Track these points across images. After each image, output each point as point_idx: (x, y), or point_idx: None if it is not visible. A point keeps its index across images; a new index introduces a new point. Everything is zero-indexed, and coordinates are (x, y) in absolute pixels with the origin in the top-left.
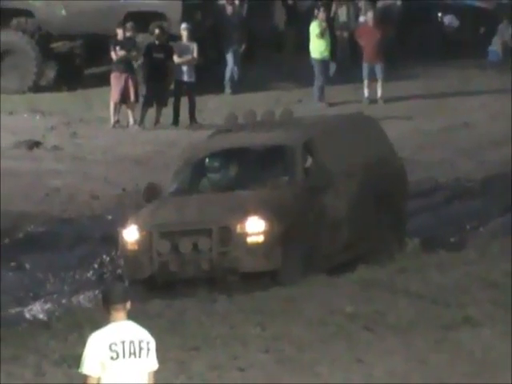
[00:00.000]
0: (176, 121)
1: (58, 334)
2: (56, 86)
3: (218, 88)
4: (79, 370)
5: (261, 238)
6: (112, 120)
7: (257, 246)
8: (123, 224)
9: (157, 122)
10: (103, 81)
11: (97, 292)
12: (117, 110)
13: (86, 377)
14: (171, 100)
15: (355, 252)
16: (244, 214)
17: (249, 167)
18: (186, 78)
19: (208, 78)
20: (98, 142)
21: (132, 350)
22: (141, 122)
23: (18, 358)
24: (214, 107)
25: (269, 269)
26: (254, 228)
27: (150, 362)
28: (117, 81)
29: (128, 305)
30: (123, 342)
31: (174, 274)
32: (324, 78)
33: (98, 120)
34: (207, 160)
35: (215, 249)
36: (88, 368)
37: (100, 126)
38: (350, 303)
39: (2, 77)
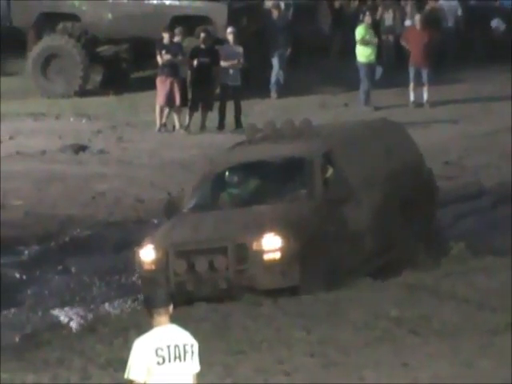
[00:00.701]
0: (221, 125)
1: (103, 337)
2: (102, 90)
3: (264, 92)
4: (125, 376)
5: (278, 255)
6: (158, 124)
7: (274, 263)
8: (139, 244)
9: (202, 126)
10: (149, 85)
11: (142, 296)
12: (163, 114)
13: (131, 382)
14: (217, 104)
15: (380, 262)
16: (260, 230)
17: (268, 180)
18: (231, 81)
19: (254, 82)
20: (144, 145)
21: (177, 354)
22: (187, 126)
23: (63, 361)
24: (260, 111)
25: (287, 285)
26: (271, 245)
27: (193, 365)
28: (163, 85)
29: (170, 309)
30: (169, 347)
31: (192, 293)
32: (370, 81)
33: (143, 124)
34: (226, 174)
35: (232, 267)
36: (134, 373)
37: (146, 130)
38: (395, 307)
39: (49, 81)
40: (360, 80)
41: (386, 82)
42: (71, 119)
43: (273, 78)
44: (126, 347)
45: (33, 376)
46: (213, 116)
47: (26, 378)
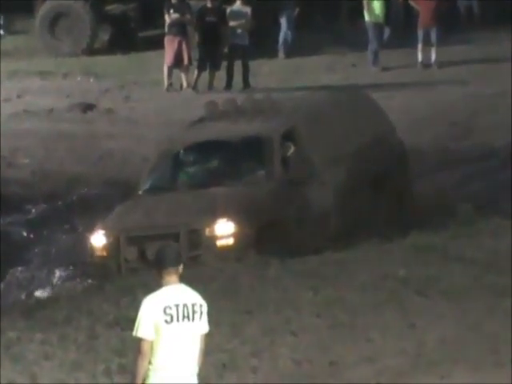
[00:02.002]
0: (229, 85)
1: (111, 296)
2: (110, 49)
3: (272, 52)
4: (133, 334)
5: (230, 241)
6: (165, 83)
7: (227, 249)
8: (91, 230)
9: (210, 85)
10: (157, 44)
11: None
12: (170, 73)
13: (140, 340)
14: (225, 64)
15: (349, 241)
16: (213, 216)
17: (226, 161)
18: (239, 41)
19: (262, 42)
20: (152, 105)
21: (186, 314)
22: (194, 85)
23: (71, 320)
24: (268, 71)
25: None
26: (223, 231)
27: (202, 325)
28: (170, 44)
29: (180, 268)
30: (177, 306)
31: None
32: (378, 42)
33: (151, 83)
34: (182, 154)
35: (184, 253)
36: (142, 331)
37: (153, 90)
38: (402, 268)
39: (57, 40)
40: (368, 40)
41: (394, 43)
42: (79, 78)
43: (281, 38)
44: (134, 306)
45: (40, 335)
46: (221, 76)
47: (33, 337)
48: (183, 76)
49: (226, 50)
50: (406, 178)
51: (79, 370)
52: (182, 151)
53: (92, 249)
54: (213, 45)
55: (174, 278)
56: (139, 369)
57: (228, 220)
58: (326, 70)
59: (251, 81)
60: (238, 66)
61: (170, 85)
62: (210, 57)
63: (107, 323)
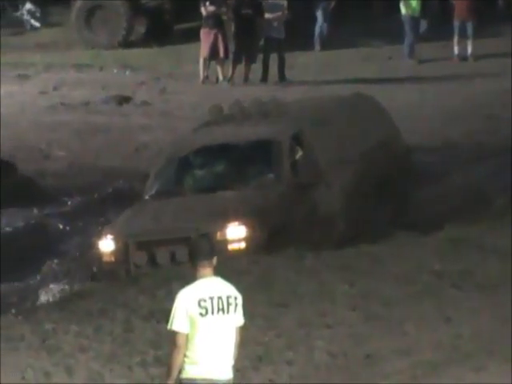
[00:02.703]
0: (265, 77)
1: (146, 289)
2: (146, 42)
3: (308, 45)
4: (168, 327)
5: (242, 245)
6: (201, 76)
7: (239, 254)
8: (98, 234)
9: (246, 78)
10: (193, 36)
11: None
12: (206, 65)
13: (175, 333)
14: (260, 56)
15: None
16: (224, 219)
17: (233, 164)
18: (275, 34)
19: (298, 34)
20: (187, 97)
21: (220, 306)
22: (230, 78)
23: (106, 312)
24: (303, 64)
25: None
26: (235, 234)
27: (237, 318)
28: (206, 36)
29: (215, 260)
30: (212, 298)
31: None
32: (414, 35)
33: (187, 76)
34: (189, 158)
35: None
36: (177, 324)
37: (189, 82)
38: (438, 261)
39: (93, 32)
40: (404, 33)
41: (430, 35)
42: (115, 70)
43: (317, 31)
44: (169, 298)
45: (76, 327)
46: (256, 68)
47: (68, 329)
48: (219, 68)
49: (261, 42)
50: (409, 182)
51: (114, 362)
52: (188, 155)
53: (100, 254)
54: (249, 37)
55: (208, 270)
56: (174, 362)
57: (239, 224)
58: (361, 62)
59: (287, 73)
60: (273, 58)
61: (206, 77)
62: (246, 49)
63: (143, 315)
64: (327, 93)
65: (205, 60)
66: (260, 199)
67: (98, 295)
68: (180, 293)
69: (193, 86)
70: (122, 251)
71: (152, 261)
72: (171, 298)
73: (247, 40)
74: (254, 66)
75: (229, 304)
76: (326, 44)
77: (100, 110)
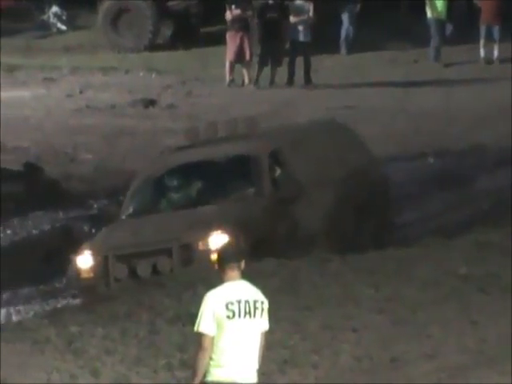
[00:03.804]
0: (291, 80)
1: (172, 292)
2: (172, 45)
3: (334, 48)
4: (195, 329)
5: None
6: (227, 79)
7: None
8: (76, 251)
9: (272, 81)
10: (219, 40)
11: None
12: (232, 69)
13: (201, 336)
14: (286, 60)
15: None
16: (206, 229)
17: (211, 181)
18: (301, 37)
19: (323, 37)
20: (213, 100)
21: (247, 310)
22: (256, 81)
23: (132, 315)
24: (329, 67)
25: None
26: (218, 244)
27: (263, 322)
28: (232, 40)
29: (242, 264)
30: (239, 302)
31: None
32: (440, 38)
33: (213, 79)
34: (165, 178)
35: (177, 269)
36: (204, 327)
37: (215, 85)
38: (464, 265)
39: (119, 35)
40: (430, 36)
41: (456, 39)
42: (141, 74)
43: (342, 34)
44: (195, 301)
45: (102, 329)
46: (282, 71)
47: (94, 332)
48: (245, 72)
49: (287, 45)
50: (386, 209)
51: (140, 365)
52: (165, 175)
53: (78, 270)
54: (274, 40)
55: (235, 273)
56: (200, 364)
57: (222, 232)
58: (387, 65)
59: (312, 77)
60: (299, 61)
61: (232, 80)
62: (272, 52)
63: (168, 318)
64: (353, 96)
65: (231, 63)
66: (241, 211)
67: (124, 298)
68: (207, 295)
69: (219, 89)
70: (102, 266)
71: (133, 273)
72: (197, 301)
73: (273, 43)
74: (279, 69)
75: (255, 308)
76: (352, 47)
77: (126, 113)
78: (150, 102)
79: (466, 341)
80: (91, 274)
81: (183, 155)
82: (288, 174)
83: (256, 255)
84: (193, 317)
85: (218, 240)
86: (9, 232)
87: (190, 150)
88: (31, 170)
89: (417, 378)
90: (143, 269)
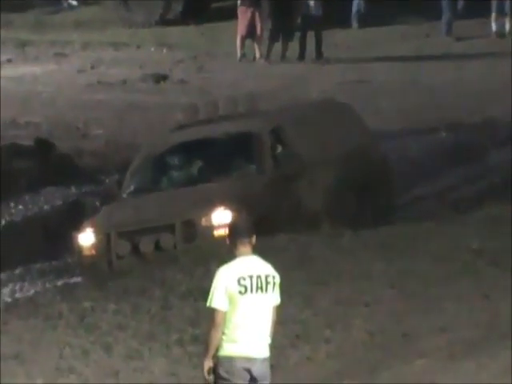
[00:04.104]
0: (302, 55)
1: (184, 267)
2: (183, 20)
3: (345, 22)
4: (207, 305)
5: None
6: (238, 54)
7: (224, 239)
8: (78, 228)
9: (283, 56)
10: (230, 15)
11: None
12: (243, 44)
13: (214, 311)
14: (297, 34)
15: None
16: (209, 205)
17: (212, 159)
18: (312, 12)
19: (335, 12)
20: (225, 76)
21: (259, 285)
22: (267, 56)
23: (144, 291)
24: (341, 41)
25: None
26: (221, 219)
27: (274, 297)
28: (243, 15)
29: (253, 239)
30: (251, 277)
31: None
32: (452, 12)
33: (224, 54)
34: (167, 156)
35: (180, 245)
36: (216, 302)
37: (226, 60)
38: (476, 239)
39: (130, 10)
40: (442, 10)
41: (468, 13)
42: (152, 49)
43: (354, 8)
44: (207, 277)
45: (114, 305)
46: (293, 46)
47: (107, 307)
48: (256, 47)
49: (298, 20)
50: (389, 189)
51: (152, 341)
52: (165, 153)
53: (80, 248)
54: (286, 15)
55: (247, 248)
56: (212, 340)
57: (225, 208)
58: (399, 39)
59: (324, 51)
60: (310, 36)
61: (243, 55)
62: (283, 27)
63: (180, 294)
64: (365, 70)
65: (242, 38)
66: (244, 188)
67: (137, 273)
68: (219, 270)
69: (230, 64)
70: (103, 243)
71: (135, 250)
72: (209, 277)
73: (284, 18)
74: (291, 43)
75: (267, 283)
76: (364, 21)
77: (137, 88)
78: (162, 77)
79: (478, 315)
80: (93, 252)
81: (184, 133)
82: (289, 151)
83: (261, 230)
84: (205, 292)
85: (221, 216)
86: (21, 207)
87: (190, 128)
88: (43, 146)
89: (429, 352)
90: (146, 245)
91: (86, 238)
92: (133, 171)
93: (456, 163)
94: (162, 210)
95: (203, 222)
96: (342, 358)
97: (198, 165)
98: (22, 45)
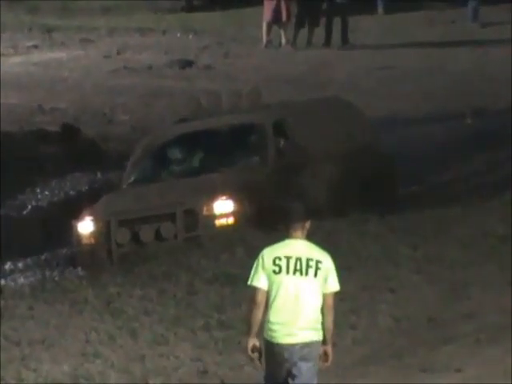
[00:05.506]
0: (328, 41)
1: (210, 252)
2: (209, 6)
3: (371, 8)
4: (248, 283)
5: (230, 220)
6: (264, 40)
7: (227, 229)
8: (77, 216)
9: (309, 42)
10: (256, 0)
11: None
12: (269, 29)
13: (253, 289)
14: (323, 20)
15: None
16: (211, 194)
17: (215, 150)
18: None
19: None
20: (251, 61)
21: (298, 267)
22: (293, 42)
23: (170, 276)
24: (367, 27)
25: None
26: (223, 209)
27: (319, 282)
28: (269, 1)
29: (307, 224)
30: (288, 258)
31: (136, 264)
32: None
33: (250, 40)
34: (168, 148)
35: (181, 234)
36: (254, 280)
37: (252, 46)
38: (502, 225)
39: None
40: None
41: None
42: (178, 34)
43: None
44: (233, 262)
45: (140, 290)
46: (319, 32)
47: (133, 292)
48: (282, 32)
49: (324, 6)
50: (392, 188)
51: (178, 326)
52: (167, 143)
53: (79, 236)
54: (312, 1)
55: (298, 233)
56: (252, 318)
57: (227, 198)
58: (425, 25)
59: (350, 37)
60: (336, 22)
61: (269, 41)
62: (309, 13)
63: (206, 279)
64: (391, 56)
65: (268, 24)
66: (247, 178)
67: (162, 258)
68: (263, 250)
69: (256, 49)
70: (103, 231)
71: (135, 238)
72: (234, 262)
73: (310, 4)
74: (316, 29)
75: (308, 266)
76: (390, 7)
77: (163, 73)
78: (187, 63)
79: (504, 301)
80: (92, 240)
81: (186, 125)
82: (292, 143)
83: (264, 220)
84: (230, 277)
85: (222, 206)
86: (47, 193)
87: (191, 121)
88: (69, 132)
89: (455, 337)
90: (146, 234)
91: (85, 226)
92: (133, 162)
93: (481, 149)
94: (163, 198)
95: (205, 211)
96: (368, 344)
97: (200, 156)
98: (49, 31)
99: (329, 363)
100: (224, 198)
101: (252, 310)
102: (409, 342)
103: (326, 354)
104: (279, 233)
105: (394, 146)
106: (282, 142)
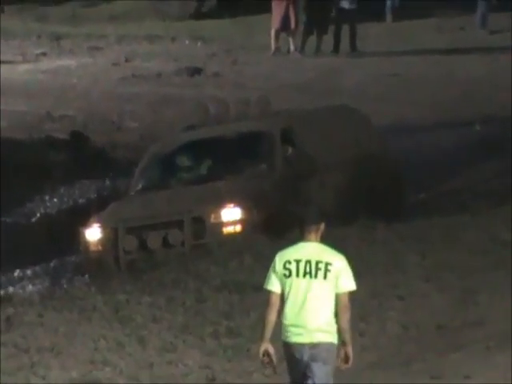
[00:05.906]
0: (337, 48)
1: (218, 259)
2: (217, 13)
3: (380, 15)
4: (264, 286)
5: (238, 228)
6: (273, 47)
7: (234, 237)
8: (85, 223)
9: (317, 49)
10: (264, 8)
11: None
12: (277, 37)
13: (268, 292)
14: (332, 27)
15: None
16: (218, 202)
17: (223, 158)
18: (347, 5)
19: (369, 5)
20: (259, 69)
21: (308, 270)
22: (301, 49)
23: (179, 283)
24: (375, 35)
25: None
26: (230, 216)
27: (330, 284)
28: (278, 8)
29: (322, 226)
30: (298, 261)
31: (144, 271)
32: (487, 5)
33: (258, 47)
34: (176, 155)
35: (188, 242)
36: (268, 283)
37: (261, 53)
38: (509, 232)
39: (165, 3)
40: (477, 3)
41: (503, 5)
42: (186, 42)
43: (388, 1)
44: (241, 270)
45: (148, 297)
46: (328, 39)
47: (141, 300)
48: (290, 40)
49: (333, 13)
50: (399, 196)
51: (187, 333)
52: (175, 151)
53: (86, 243)
54: (320, 8)
55: (312, 235)
56: (267, 320)
57: (235, 206)
58: (433, 32)
59: (358, 44)
60: (345, 29)
61: (277, 48)
62: (318, 20)
63: (215, 286)
64: (399, 63)
65: (276, 31)
66: (254, 186)
67: (171, 265)
68: (277, 253)
69: (264, 57)
70: (111, 238)
71: (143, 245)
72: (243, 269)
73: (319, 11)
74: (325, 36)
75: (318, 269)
76: (398, 14)
77: (172, 81)
78: (196, 71)
79: None
80: (99, 247)
81: (194, 133)
82: (300, 150)
83: (272, 227)
84: (239, 285)
85: (230, 213)
86: (55, 200)
87: (199, 129)
88: (77, 139)
89: (464, 345)
90: (153, 241)
91: (93, 233)
92: (141, 170)
93: (489, 156)
94: (170, 206)
95: (212, 218)
96: (377, 351)
97: (207, 164)
98: (57, 38)
99: (349, 365)
100: (231, 205)
101: (266, 313)
102: (417, 349)
103: (346, 355)
104: (287, 240)
105: (402, 153)
106: (290, 150)
